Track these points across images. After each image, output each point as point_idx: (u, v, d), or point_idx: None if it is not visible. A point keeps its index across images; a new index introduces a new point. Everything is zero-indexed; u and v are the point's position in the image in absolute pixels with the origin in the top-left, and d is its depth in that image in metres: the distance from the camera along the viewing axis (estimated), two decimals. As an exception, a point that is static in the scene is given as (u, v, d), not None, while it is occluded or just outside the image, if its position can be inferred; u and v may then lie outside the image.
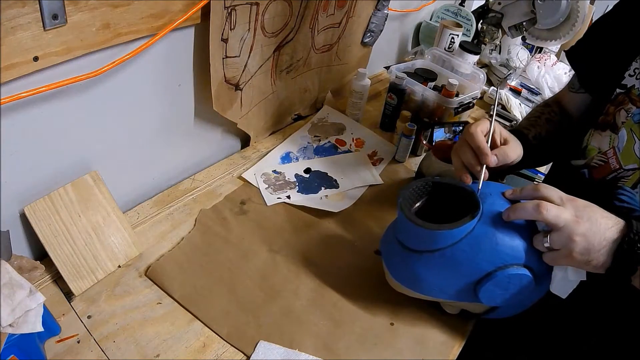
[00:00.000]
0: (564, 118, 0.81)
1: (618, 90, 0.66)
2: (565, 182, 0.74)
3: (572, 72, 0.81)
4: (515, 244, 0.57)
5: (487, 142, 0.65)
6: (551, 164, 0.86)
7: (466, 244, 0.58)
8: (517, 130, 0.77)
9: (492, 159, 0.63)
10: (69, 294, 0.65)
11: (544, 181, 0.86)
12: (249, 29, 0.79)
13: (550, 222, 0.53)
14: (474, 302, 0.62)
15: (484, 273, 0.58)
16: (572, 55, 0.78)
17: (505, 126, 1.25)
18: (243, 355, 0.62)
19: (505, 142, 0.68)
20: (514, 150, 0.68)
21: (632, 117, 0.63)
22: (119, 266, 0.70)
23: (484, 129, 0.66)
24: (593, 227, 0.53)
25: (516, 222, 0.57)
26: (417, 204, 0.67)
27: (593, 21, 0.78)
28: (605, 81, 0.69)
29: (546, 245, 0.54)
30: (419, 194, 0.67)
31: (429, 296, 0.65)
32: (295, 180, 0.92)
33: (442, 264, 0.59)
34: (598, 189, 0.66)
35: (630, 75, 0.65)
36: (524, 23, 1.31)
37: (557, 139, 0.79)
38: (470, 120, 1.21)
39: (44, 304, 0.54)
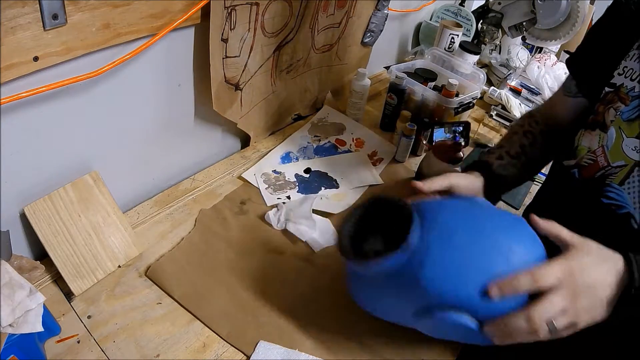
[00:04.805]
0: (550, 126, 0.79)
1: (607, 89, 0.66)
2: (558, 184, 0.74)
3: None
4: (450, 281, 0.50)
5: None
6: (550, 165, 0.86)
7: (402, 271, 0.53)
8: (484, 161, 0.74)
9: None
10: (69, 294, 0.65)
11: (542, 185, 0.86)
12: (249, 29, 0.79)
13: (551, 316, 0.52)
14: None
15: (420, 307, 0.53)
16: (571, 62, 0.79)
17: (504, 126, 1.26)
18: (243, 355, 0.62)
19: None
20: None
21: (621, 115, 0.63)
22: (119, 266, 0.70)
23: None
24: (593, 297, 0.52)
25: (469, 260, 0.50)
26: (364, 228, 0.63)
27: (593, 22, 0.78)
28: (599, 83, 0.69)
29: (551, 327, 0.52)
30: (361, 218, 0.63)
31: (394, 322, 0.61)
32: (295, 180, 0.92)
33: (391, 288, 0.55)
34: (587, 187, 0.66)
35: (619, 74, 0.65)
36: (524, 23, 1.31)
37: (543, 149, 0.78)
38: (471, 120, 1.21)
39: (44, 304, 0.54)
